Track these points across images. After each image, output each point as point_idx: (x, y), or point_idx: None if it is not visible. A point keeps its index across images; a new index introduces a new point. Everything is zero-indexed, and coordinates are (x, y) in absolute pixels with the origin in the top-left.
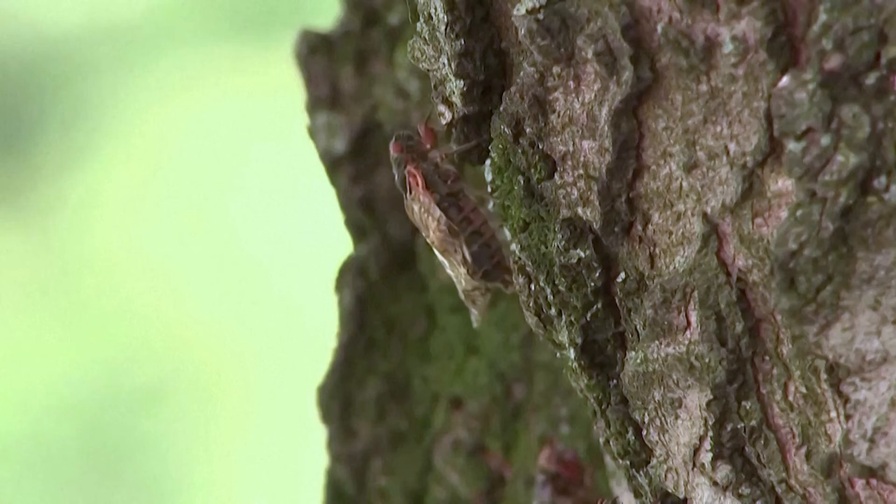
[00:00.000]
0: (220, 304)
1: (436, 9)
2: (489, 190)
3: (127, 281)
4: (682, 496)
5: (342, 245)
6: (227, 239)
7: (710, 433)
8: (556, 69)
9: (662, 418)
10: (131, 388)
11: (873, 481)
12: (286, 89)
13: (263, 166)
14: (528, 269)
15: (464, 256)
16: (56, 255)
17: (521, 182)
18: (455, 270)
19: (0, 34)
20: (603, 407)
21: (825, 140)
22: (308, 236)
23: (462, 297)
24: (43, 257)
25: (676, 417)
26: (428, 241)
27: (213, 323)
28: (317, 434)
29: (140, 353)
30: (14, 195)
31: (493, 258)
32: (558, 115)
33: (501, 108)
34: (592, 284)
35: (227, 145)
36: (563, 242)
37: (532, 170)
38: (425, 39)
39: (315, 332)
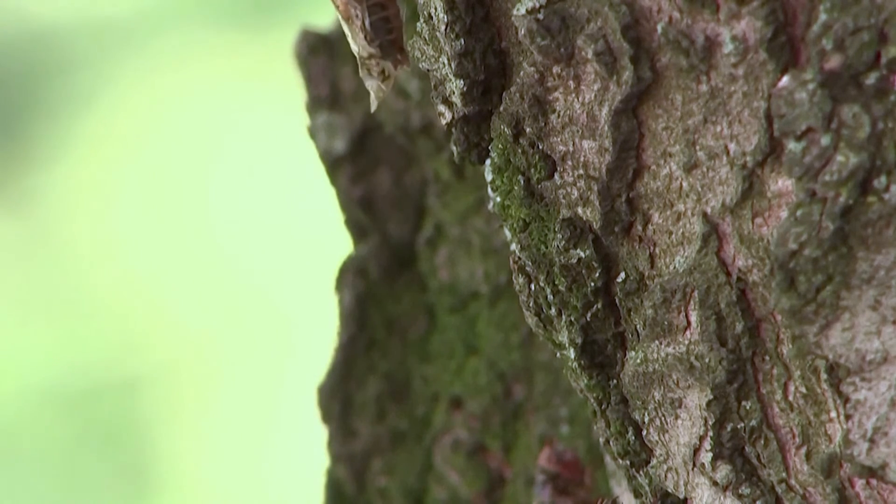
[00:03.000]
0: (207, 290)
1: (436, 9)
2: (489, 190)
3: (115, 271)
4: (682, 496)
5: (342, 245)
6: (225, 236)
7: (710, 433)
8: (556, 69)
9: (662, 418)
10: (121, 379)
11: (873, 481)
12: (279, 77)
13: (257, 158)
14: (528, 269)
15: (363, 24)
16: (42, 245)
17: (521, 182)
18: (355, 38)
19: None
20: (603, 407)
21: (825, 140)
22: (308, 236)
23: (360, 70)
24: (28, 247)
25: (676, 417)
26: (333, 2)
27: (201, 310)
28: (317, 434)
29: (133, 343)
30: (2, 185)
31: (390, 34)
32: (558, 115)
33: (501, 108)
34: (592, 284)
35: (219, 136)
36: (563, 242)
37: (532, 170)
38: (425, 39)
39: (314, 333)
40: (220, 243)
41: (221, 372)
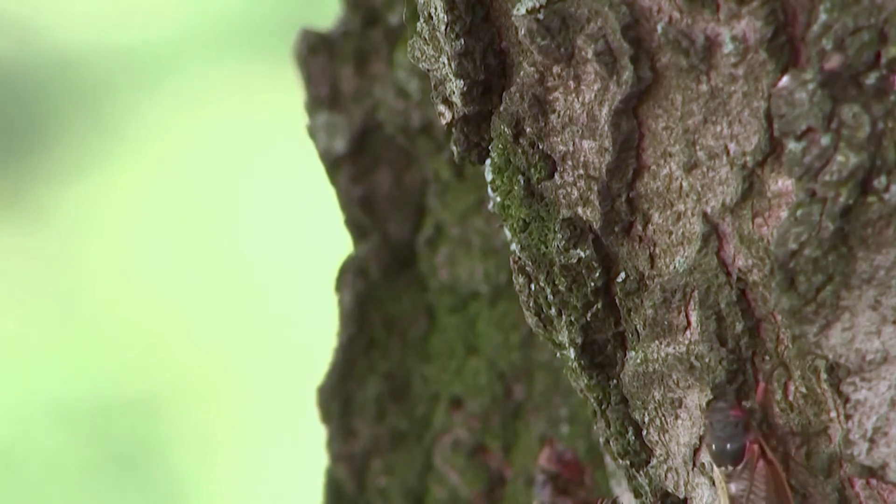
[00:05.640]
0: (222, 307)
1: (436, 9)
2: (489, 190)
3: (130, 288)
4: (682, 496)
5: (342, 245)
6: (229, 246)
7: None
8: (556, 69)
9: (662, 418)
10: (134, 395)
11: (873, 481)
12: (296, 106)
13: (268, 180)
14: (528, 269)
15: None
16: (60, 262)
17: (521, 182)
18: None
19: (18, 48)
20: (603, 407)
21: (825, 140)
22: (307, 236)
23: None
24: (47, 263)
25: (676, 417)
26: None
27: (216, 326)
28: (317, 434)
29: (149, 360)
30: (22, 200)
31: None
32: (558, 115)
33: (501, 108)
34: (592, 284)
35: (234, 160)
36: (563, 242)
37: (532, 170)
38: (425, 39)
39: (315, 333)
40: (238, 263)
41: (240, 388)
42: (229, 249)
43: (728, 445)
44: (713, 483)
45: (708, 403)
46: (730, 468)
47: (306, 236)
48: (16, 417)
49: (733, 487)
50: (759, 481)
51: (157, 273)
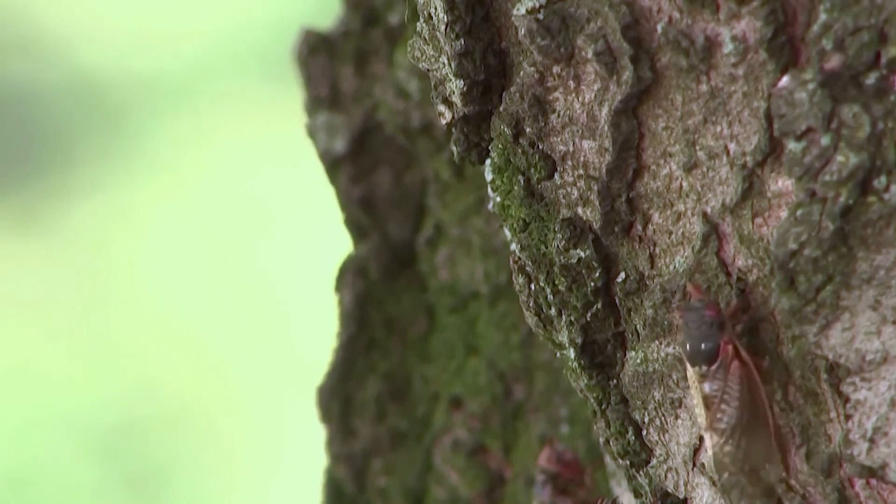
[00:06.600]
0: (236, 326)
1: (436, 9)
2: (489, 190)
3: (144, 308)
4: (682, 496)
5: (343, 245)
6: (243, 265)
7: None
8: (556, 69)
9: (662, 418)
10: (147, 414)
11: (873, 481)
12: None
13: (285, 203)
14: (528, 269)
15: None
16: (75, 281)
17: (521, 182)
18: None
19: (41, 70)
20: (603, 407)
21: (825, 140)
22: (307, 235)
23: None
24: (63, 282)
25: (676, 417)
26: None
27: (230, 345)
28: (317, 434)
29: (156, 378)
30: (40, 218)
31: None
32: (558, 115)
33: (501, 108)
34: (592, 284)
35: (250, 182)
36: (563, 242)
37: (532, 170)
38: (425, 39)
39: (315, 333)
40: (252, 282)
41: (253, 407)
42: (243, 269)
43: (702, 345)
44: (713, 483)
45: (682, 303)
46: (704, 368)
47: (318, 251)
48: (29, 436)
49: (707, 387)
50: (732, 381)
51: (171, 293)
